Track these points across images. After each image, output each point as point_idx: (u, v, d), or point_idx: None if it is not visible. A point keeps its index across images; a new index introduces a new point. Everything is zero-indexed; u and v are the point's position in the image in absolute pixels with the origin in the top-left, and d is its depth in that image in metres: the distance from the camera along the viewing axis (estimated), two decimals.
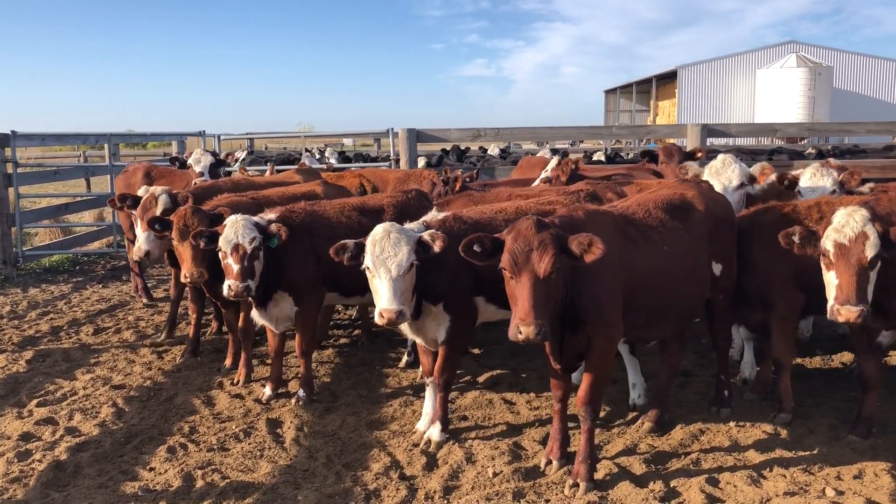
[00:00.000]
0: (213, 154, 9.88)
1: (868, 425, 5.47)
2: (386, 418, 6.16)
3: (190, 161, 9.71)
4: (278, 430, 5.95)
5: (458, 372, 7.14)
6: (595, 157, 15.62)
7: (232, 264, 5.85)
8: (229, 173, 11.87)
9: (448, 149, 17.44)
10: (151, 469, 5.32)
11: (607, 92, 63.86)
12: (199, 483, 5.09)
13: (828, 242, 4.71)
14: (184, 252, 6.33)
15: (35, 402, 6.58)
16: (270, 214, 6.26)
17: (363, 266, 5.09)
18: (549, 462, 5.16)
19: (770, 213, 5.90)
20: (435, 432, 5.65)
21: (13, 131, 12.09)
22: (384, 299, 4.97)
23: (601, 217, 4.87)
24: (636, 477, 5.03)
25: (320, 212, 6.50)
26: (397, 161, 11.80)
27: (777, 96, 44.27)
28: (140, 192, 7.52)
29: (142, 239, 7.25)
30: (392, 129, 12.34)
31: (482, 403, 6.40)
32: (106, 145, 14.24)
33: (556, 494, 4.84)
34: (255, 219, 6.05)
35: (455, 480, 5.07)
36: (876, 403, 5.54)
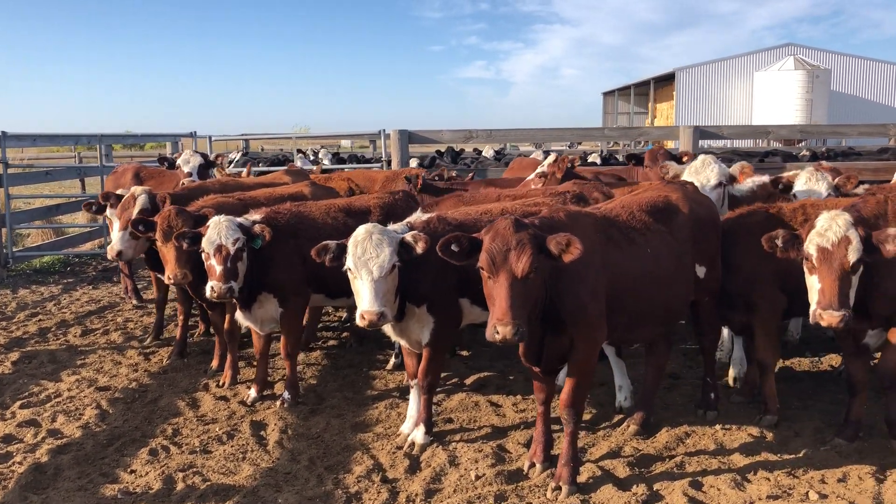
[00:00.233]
0: (203, 155, 9.84)
1: (855, 429, 5.44)
2: (371, 421, 6.13)
3: (179, 162, 9.68)
4: (262, 433, 5.91)
5: (446, 374, 7.12)
6: (590, 159, 15.55)
7: (215, 265, 5.81)
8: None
9: (442, 150, 17.40)
10: (132, 471, 5.28)
11: (605, 94, 63.82)
12: (180, 486, 5.05)
13: (810, 246, 4.69)
14: (168, 253, 6.29)
15: (18, 403, 6.54)
16: (255, 215, 6.23)
17: (345, 267, 5.05)
18: (532, 465, 5.13)
19: (754, 215, 5.88)
20: (419, 435, 5.61)
21: (4, 132, 12.04)
22: (365, 301, 4.94)
23: (583, 218, 4.84)
24: (619, 480, 4.99)
25: (306, 213, 6.47)
26: (389, 162, 11.77)
27: (775, 99, 44.21)
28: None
29: (116, 238, 7.23)
30: (384, 130, 12.30)
31: (468, 406, 6.37)
32: (99, 146, 14.16)
33: (539, 498, 4.81)
34: (240, 220, 6.02)
35: (437, 483, 5.04)
36: (863, 407, 5.51)
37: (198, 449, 5.62)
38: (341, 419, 6.14)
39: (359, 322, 4.95)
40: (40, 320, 9.37)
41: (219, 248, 5.80)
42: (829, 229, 4.64)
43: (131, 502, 4.88)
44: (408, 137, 11.19)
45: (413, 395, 5.80)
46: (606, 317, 4.75)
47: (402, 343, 5.71)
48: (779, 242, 4.85)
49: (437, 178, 8.67)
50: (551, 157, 8.72)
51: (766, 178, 7.55)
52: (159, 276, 7.38)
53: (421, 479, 5.09)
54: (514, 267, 4.13)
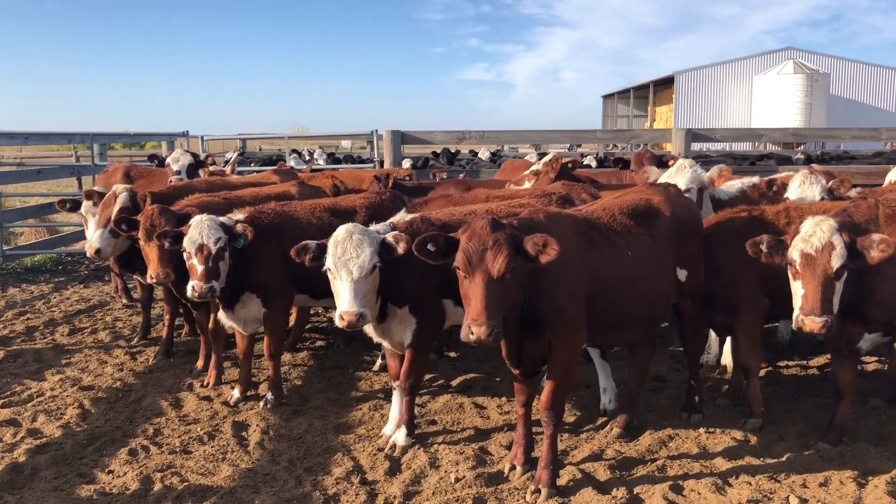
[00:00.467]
0: (193, 154, 9.81)
1: (839, 433, 5.40)
2: (353, 422, 6.09)
3: (168, 160, 9.65)
4: (243, 433, 5.88)
5: (432, 375, 7.09)
6: (585, 161, 15.52)
7: (196, 265, 5.78)
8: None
9: (438, 151, 17.41)
10: (110, 472, 5.24)
11: (605, 97, 63.87)
12: (157, 486, 5.02)
13: (794, 252, 4.66)
14: (150, 253, 6.25)
15: (0, 402, 6.50)
16: (239, 215, 6.19)
17: (325, 268, 5.02)
18: (512, 467, 5.09)
19: (737, 217, 5.84)
20: (400, 437, 5.58)
21: None
22: (345, 301, 4.90)
23: (562, 220, 4.80)
24: (600, 483, 4.96)
25: (290, 212, 6.43)
26: (382, 163, 11.73)
27: (774, 103, 44.23)
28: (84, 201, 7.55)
29: (95, 236, 7.21)
30: (376, 130, 12.27)
31: (452, 407, 6.33)
32: (94, 145, 14.13)
33: (518, 500, 4.78)
34: (222, 219, 5.98)
35: (416, 486, 5.00)
36: (848, 411, 5.49)
37: (178, 449, 5.58)
38: (324, 420, 6.11)
39: (338, 323, 4.92)
40: (28, 319, 9.34)
41: (200, 248, 5.77)
42: (814, 235, 4.61)
43: (107, 503, 4.84)
44: (400, 138, 11.17)
45: (395, 397, 5.76)
46: (586, 319, 4.71)
47: (385, 344, 5.67)
48: (763, 248, 4.82)
49: (406, 178, 8.67)
50: (548, 157, 8.69)
51: (755, 180, 7.53)
52: (135, 276, 7.37)
53: (400, 481, 5.05)
54: (490, 267, 4.09)
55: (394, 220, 5.52)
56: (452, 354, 7.67)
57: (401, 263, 5.09)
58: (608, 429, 5.74)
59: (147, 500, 4.84)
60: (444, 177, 9.71)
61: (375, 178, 8.09)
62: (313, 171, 10.90)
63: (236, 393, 6.51)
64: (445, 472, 5.15)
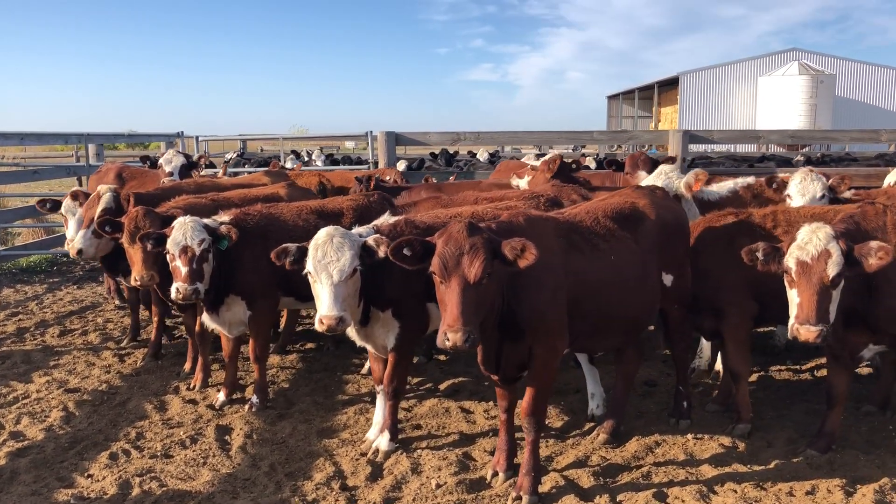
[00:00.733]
0: (186, 156, 9.77)
1: (828, 441, 5.32)
2: (338, 426, 6.03)
3: (161, 162, 9.61)
4: (226, 437, 5.82)
5: (419, 379, 7.04)
6: (584, 163, 15.40)
7: (180, 266, 5.72)
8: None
9: (437, 153, 17.35)
10: (89, 476, 5.20)
11: (610, 98, 63.64)
12: (136, 491, 4.97)
13: (790, 260, 4.55)
14: (134, 254, 6.20)
15: None
16: (224, 216, 6.14)
17: (305, 271, 4.96)
18: (495, 474, 5.03)
19: (723, 220, 5.77)
20: (383, 441, 5.52)
21: None
22: (324, 305, 4.84)
23: (543, 223, 4.72)
24: (583, 490, 4.89)
25: (276, 214, 6.38)
26: (377, 163, 11.68)
27: (779, 104, 44.00)
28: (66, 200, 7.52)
29: (78, 237, 7.17)
30: (371, 131, 12.21)
31: (438, 412, 6.27)
32: (85, 145, 14.10)
33: None
34: (206, 221, 5.93)
35: (397, 492, 4.94)
36: (839, 419, 5.41)
37: (159, 453, 5.53)
38: (308, 424, 6.05)
39: (317, 327, 4.85)
40: (20, 320, 9.31)
41: (184, 250, 5.71)
42: (810, 242, 4.50)
43: None
44: (395, 139, 11.11)
45: (379, 401, 5.71)
46: (567, 324, 4.64)
47: (368, 348, 5.61)
48: (759, 255, 4.71)
49: (388, 179, 8.66)
50: (548, 156, 8.62)
51: (750, 180, 7.45)
52: (118, 278, 7.33)
53: (381, 487, 4.99)
54: (467, 272, 4.02)
55: (377, 222, 5.46)
56: (442, 357, 7.61)
57: (383, 266, 5.01)
58: (594, 435, 5.67)
59: None
60: (435, 180, 9.64)
61: (357, 179, 8.02)
62: (302, 170, 10.84)
63: (222, 396, 6.46)
64: (427, 478, 5.09)
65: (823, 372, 6.93)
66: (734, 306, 5.57)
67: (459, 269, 4.02)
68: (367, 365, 7.26)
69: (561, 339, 4.63)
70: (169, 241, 5.76)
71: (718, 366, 6.93)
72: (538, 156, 15.05)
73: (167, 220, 6.12)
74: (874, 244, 4.46)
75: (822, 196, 6.84)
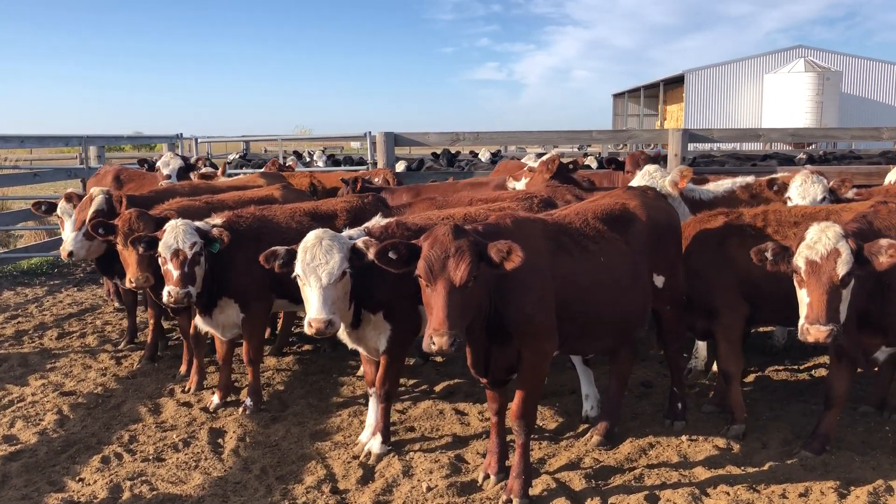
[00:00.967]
0: (183, 158, 9.77)
1: (823, 442, 5.27)
2: (331, 429, 6.01)
3: (159, 164, 9.61)
4: (219, 440, 5.81)
5: (415, 381, 7.03)
6: (586, 162, 15.36)
7: (172, 270, 5.71)
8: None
9: (439, 153, 17.33)
10: (80, 480, 5.19)
11: (615, 96, 63.56)
12: (126, 495, 4.96)
13: (799, 259, 4.49)
14: (129, 257, 6.20)
15: None
16: (216, 219, 6.13)
17: (294, 274, 4.94)
18: (486, 476, 5.01)
19: (713, 220, 5.73)
20: (375, 444, 5.50)
21: None
22: (313, 308, 4.81)
23: (531, 225, 4.68)
24: (574, 493, 4.86)
25: (269, 216, 6.36)
26: (375, 164, 11.66)
27: (785, 101, 43.87)
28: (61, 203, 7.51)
29: (69, 239, 7.17)
30: (369, 132, 12.20)
31: (433, 414, 6.25)
32: (83, 147, 14.13)
33: None
34: (198, 223, 5.92)
35: (388, 495, 4.92)
36: (836, 421, 5.37)
37: (151, 457, 5.52)
38: (302, 427, 6.03)
39: (306, 330, 4.84)
40: (19, 323, 9.32)
41: (175, 253, 5.70)
42: (819, 241, 4.43)
43: None
44: (393, 139, 11.08)
45: (371, 404, 5.69)
46: (556, 326, 4.60)
47: (360, 350, 5.59)
48: (768, 255, 4.63)
49: (375, 180, 8.69)
50: (547, 155, 8.59)
51: (749, 179, 7.39)
52: (115, 280, 7.33)
53: (371, 490, 4.97)
54: (453, 275, 3.99)
55: (369, 224, 5.43)
56: (438, 359, 7.58)
57: (374, 269, 4.97)
58: (588, 436, 5.64)
59: None
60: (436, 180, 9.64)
61: (343, 181, 8.01)
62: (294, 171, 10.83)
63: (216, 399, 6.45)
64: (418, 480, 5.07)
65: (822, 372, 6.92)
66: (726, 307, 5.53)
67: (445, 273, 4.00)
68: (363, 366, 7.24)
69: (549, 341, 4.59)
70: (160, 244, 5.75)
71: (715, 367, 6.90)
72: (538, 156, 15.03)
73: (160, 223, 6.12)
74: (885, 242, 4.38)
75: (823, 199, 6.77)
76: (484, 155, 18.65)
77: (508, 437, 5.11)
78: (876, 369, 6.09)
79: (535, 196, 6.27)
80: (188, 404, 6.55)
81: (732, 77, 47.38)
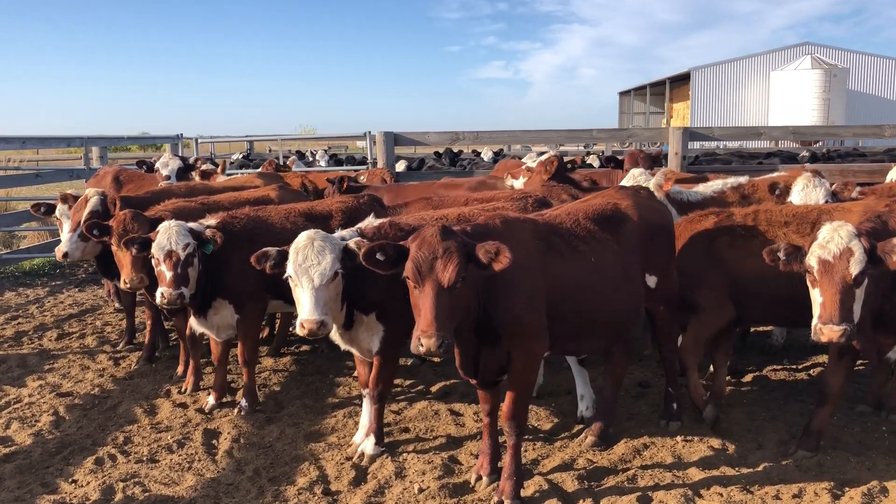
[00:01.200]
0: (182, 159, 9.78)
1: (816, 439, 5.24)
2: (326, 430, 6.01)
3: (158, 165, 9.62)
4: (213, 441, 5.81)
5: (411, 381, 7.01)
6: (588, 160, 15.34)
7: (165, 271, 5.71)
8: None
9: (441, 152, 17.34)
10: (73, 481, 5.19)
11: (622, 94, 63.37)
12: (119, 496, 4.96)
13: (812, 259, 4.46)
14: (123, 258, 6.20)
15: None
16: (210, 220, 6.12)
17: (285, 275, 4.93)
18: (479, 478, 4.99)
19: (703, 220, 5.71)
20: (368, 445, 5.49)
21: None
22: (305, 309, 4.81)
23: (521, 225, 4.66)
24: (566, 494, 4.84)
25: (264, 217, 6.36)
26: (375, 163, 11.65)
27: (791, 98, 43.62)
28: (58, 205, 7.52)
29: (64, 240, 7.19)
30: (369, 132, 12.19)
31: (428, 414, 6.23)
32: (84, 148, 14.16)
33: None
34: (192, 224, 5.92)
35: (380, 497, 4.91)
36: (828, 418, 5.33)
37: (145, 458, 5.53)
38: (296, 428, 6.02)
39: (298, 331, 4.83)
40: (19, 324, 9.34)
41: (169, 254, 5.70)
42: (832, 241, 4.40)
43: None
44: (393, 139, 11.07)
45: (365, 405, 5.68)
46: (547, 327, 4.58)
47: (353, 351, 5.59)
48: (781, 255, 4.60)
49: (359, 180, 8.74)
50: (545, 155, 8.57)
51: (742, 180, 7.36)
52: (112, 281, 7.33)
53: (363, 491, 4.96)
54: (441, 276, 3.98)
55: (362, 225, 5.42)
56: (436, 359, 7.56)
57: (366, 269, 4.96)
58: (582, 437, 5.62)
59: None
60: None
61: (328, 181, 8.02)
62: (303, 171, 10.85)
63: (211, 400, 6.45)
64: (410, 482, 5.06)
65: (820, 371, 6.87)
66: (710, 306, 5.52)
67: (433, 274, 3.98)
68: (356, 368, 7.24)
69: (539, 342, 4.57)
70: (154, 245, 5.75)
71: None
72: (539, 154, 14.99)
73: (155, 224, 6.11)
74: None
75: (826, 202, 6.73)
76: (486, 154, 18.64)
77: (501, 438, 5.08)
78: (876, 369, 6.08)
79: (530, 196, 6.25)
80: (184, 405, 6.56)
81: (739, 74, 47.18)
